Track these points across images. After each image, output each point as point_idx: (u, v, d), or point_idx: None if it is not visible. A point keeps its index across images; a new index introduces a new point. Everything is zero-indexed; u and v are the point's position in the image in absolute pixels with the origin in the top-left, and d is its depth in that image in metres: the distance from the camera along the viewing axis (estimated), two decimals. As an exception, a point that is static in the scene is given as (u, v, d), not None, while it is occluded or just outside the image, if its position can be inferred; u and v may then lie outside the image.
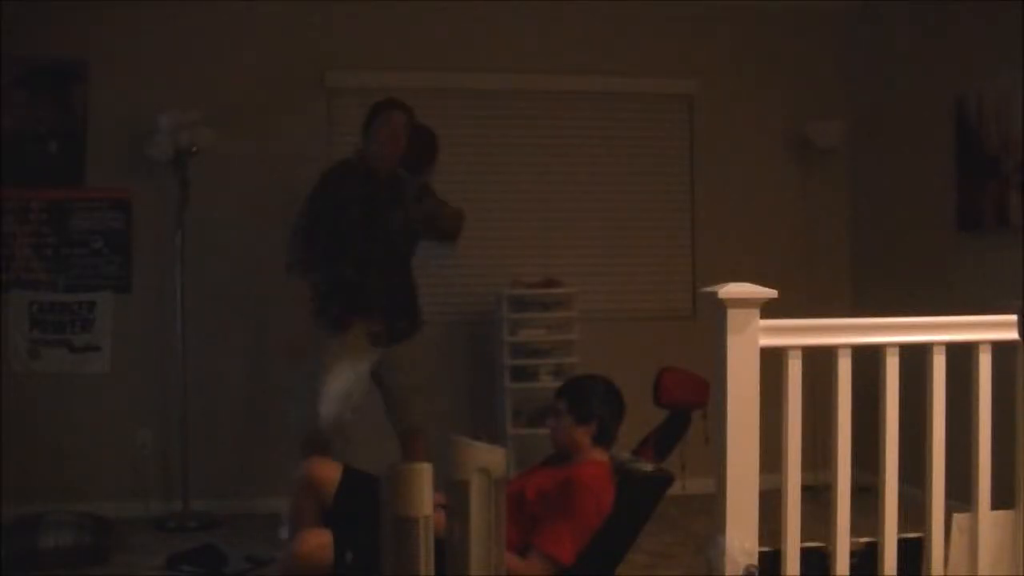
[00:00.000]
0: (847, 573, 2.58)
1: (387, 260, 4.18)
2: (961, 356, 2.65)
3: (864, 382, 2.60)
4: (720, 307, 2.45)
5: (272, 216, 4.77)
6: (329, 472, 3.19)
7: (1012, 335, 2.39)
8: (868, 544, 2.63)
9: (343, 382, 4.03)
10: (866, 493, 2.65)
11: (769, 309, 2.48)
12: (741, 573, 2.40)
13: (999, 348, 2.63)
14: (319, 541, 2.80)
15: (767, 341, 2.48)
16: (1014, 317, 2.28)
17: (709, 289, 2.48)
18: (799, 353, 2.54)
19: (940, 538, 2.64)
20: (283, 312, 4.41)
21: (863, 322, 2.65)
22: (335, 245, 4.11)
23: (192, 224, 4.80)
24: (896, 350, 2.60)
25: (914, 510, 2.68)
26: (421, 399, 4.27)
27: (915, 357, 2.63)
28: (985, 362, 2.64)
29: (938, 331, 2.62)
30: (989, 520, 2.67)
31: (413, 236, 4.27)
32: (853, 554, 2.60)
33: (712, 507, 2.50)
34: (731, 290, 2.44)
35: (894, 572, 2.61)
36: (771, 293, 2.45)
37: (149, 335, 4.93)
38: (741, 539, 2.42)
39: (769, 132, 5.51)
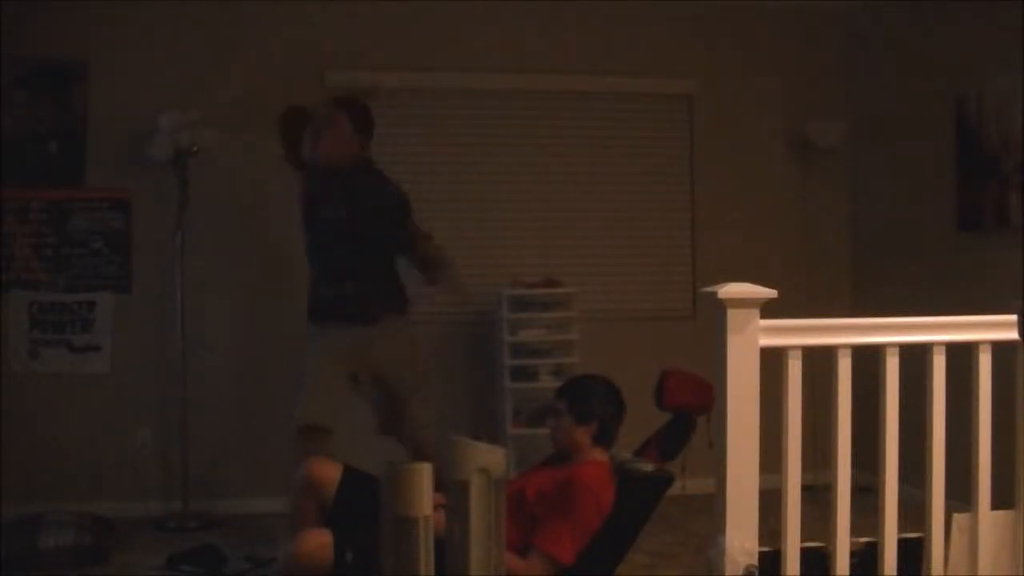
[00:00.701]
0: (847, 573, 2.58)
1: (345, 248, 4.01)
2: (961, 356, 2.65)
3: (864, 382, 2.60)
4: (720, 307, 2.45)
5: (272, 216, 4.77)
6: (329, 472, 3.19)
7: (1012, 335, 2.39)
8: (868, 544, 2.62)
9: (318, 378, 3.98)
10: (866, 493, 2.65)
11: (769, 309, 2.47)
12: (741, 573, 2.40)
13: (999, 348, 2.63)
14: (319, 541, 2.79)
15: (767, 341, 2.48)
16: (1014, 317, 2.28)
17: (709, 289, 2.47)
18: (799, 353, 2.53)
19: (940, 538, 2.64)
20: (283, 311, 4.40)
21: (863, 322, 2.65)
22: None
23: (192, 224, 4.80)
24: (896, 350, 2.59)
25: (914, 510, 2.68)
26: (423, 405, 4.11)
27: (915, 357, 2.62)
28: (985, 362, 2.64)
29: (938, 331, 2.62)
30: (989, 520, 2.67)
31: (373, 223, 4.04)
32: (853, 554, 2.60)
33: (712, 507, 2.50)
34: (731, 290, 2.44)
35: (894, 572, 2.60)
36: (771, 293, 2.45)
37: (149, 335, 4.93)
38: (741, 539, 2.42)
39: (769, 132, 5.51)
